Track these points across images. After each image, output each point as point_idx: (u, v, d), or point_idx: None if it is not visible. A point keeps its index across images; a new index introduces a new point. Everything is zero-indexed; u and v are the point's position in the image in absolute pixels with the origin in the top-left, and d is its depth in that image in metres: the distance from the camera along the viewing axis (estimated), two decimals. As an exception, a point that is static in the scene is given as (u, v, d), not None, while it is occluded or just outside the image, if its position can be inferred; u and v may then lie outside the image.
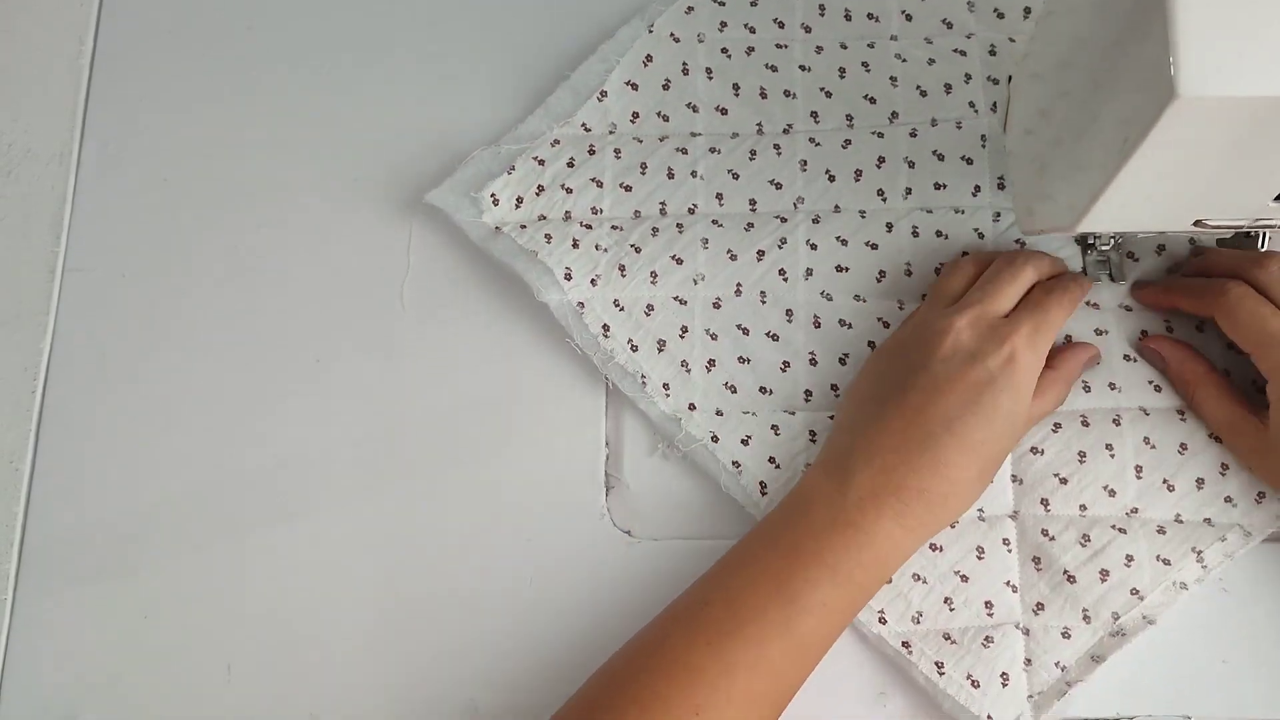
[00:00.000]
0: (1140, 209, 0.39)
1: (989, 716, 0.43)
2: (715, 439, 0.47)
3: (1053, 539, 0.44)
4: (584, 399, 0.49)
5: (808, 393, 0.47)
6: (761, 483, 0.46)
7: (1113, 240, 0.47)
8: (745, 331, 0.48)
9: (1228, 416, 0.44)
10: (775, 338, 0.48)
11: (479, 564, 0.47)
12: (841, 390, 0.47)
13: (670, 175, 0.49)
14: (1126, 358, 0.47)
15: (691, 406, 0.47)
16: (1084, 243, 0.48)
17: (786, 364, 0.47)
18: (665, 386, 0.47)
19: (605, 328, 0.48)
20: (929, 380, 0.42)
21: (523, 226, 0.49)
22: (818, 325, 0.48)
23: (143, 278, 0.52)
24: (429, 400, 0.49)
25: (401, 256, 0.51)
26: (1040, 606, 0.44)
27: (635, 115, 0.51)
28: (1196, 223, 0.39)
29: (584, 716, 0.40)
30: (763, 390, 0.47)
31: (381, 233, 0.52)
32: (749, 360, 0.47)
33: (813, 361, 0.47)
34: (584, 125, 0.51)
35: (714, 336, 0.48)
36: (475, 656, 0.46)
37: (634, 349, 0.47)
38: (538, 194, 0.49)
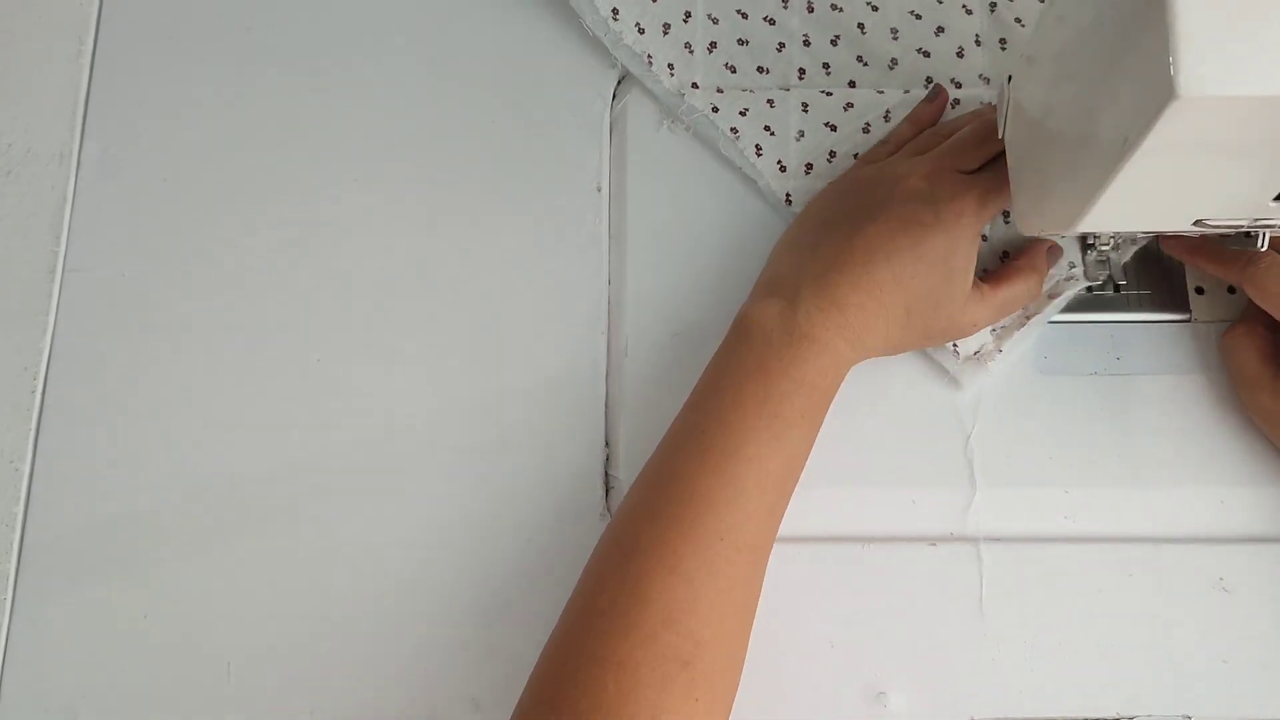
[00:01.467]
0: (1140, 209, 0.39)
1: (954, 345, 0.47)
2: (715, 110, 0.51)
3: None
4: (584, 399, 0.49)
5: (801, 70, 0.52)
6: (758, 145, 0.50)
7: (1112, 240, 0.47)
8: (744, 15, 0.53)
9: (1254, 369, 0.45)
10: (772, 22, 0.52)
11: (479, 564, 0.47)
12: (833, 69, 0.52)
13: None
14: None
15: (694, 85, 0.51)
16: (1084, 243, 0.48)
17: (782, 45, 0.52)
18: (670, 66, 0.52)
19: (615, 11, 0.52)
20: (883, 215, 0.44)
21: None
22: (811, 10, 0.52)
23: (143, 278, 0.52)
24: (429, 400, 0.49)
25: (401, 256, 0.51)
26: None
27: None
28: (1196, 223, 0.39)
29: (618, 560, 0.41)
30: (760, 70, 0.51)
31: (381, 233, 0.52)
32: (747, 42, 0.52)
33: (805, 43, 0.52)
34: None
35: (715, 20, 0.52)
36: (476, 656, 0.46)
37: (641, 31, 0.52)
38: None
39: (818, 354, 0.43)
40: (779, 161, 0.50)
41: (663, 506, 0.41)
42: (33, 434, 0.50)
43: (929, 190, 0.44)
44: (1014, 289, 0.46)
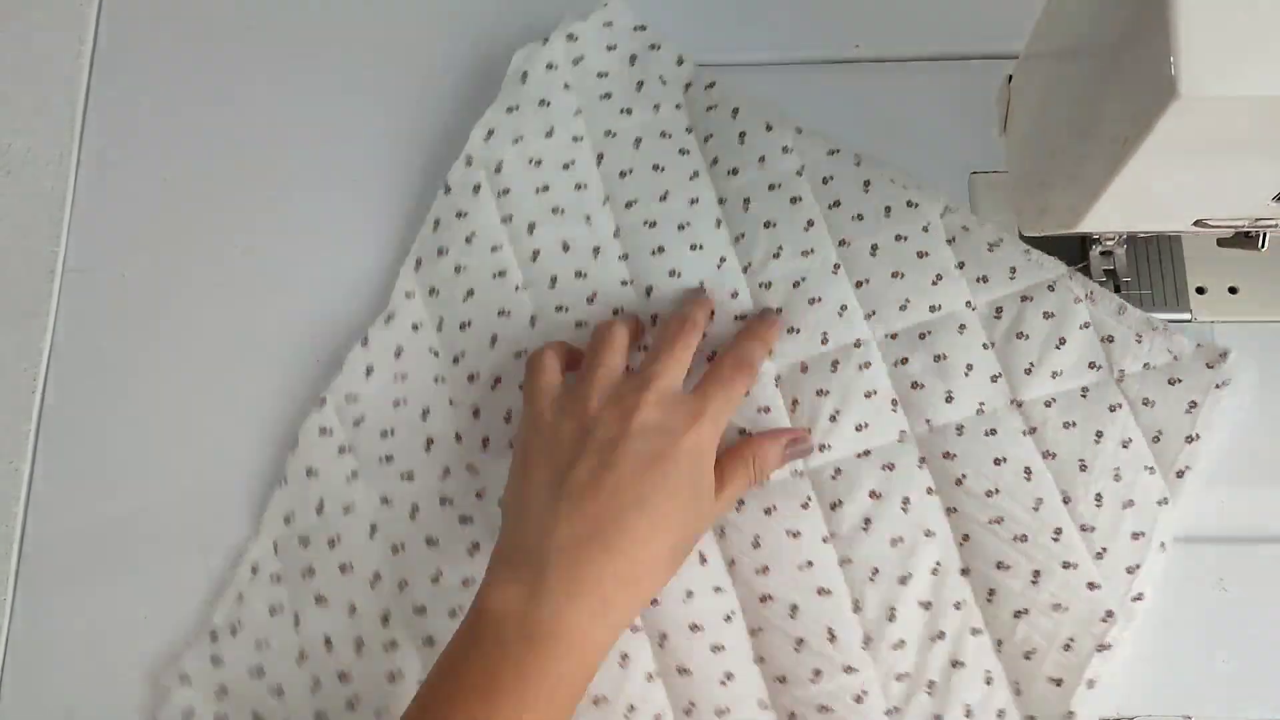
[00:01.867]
0: (1140, 209, 0.39)
1: None
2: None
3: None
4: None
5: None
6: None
7: (1113, 240, 0.47)
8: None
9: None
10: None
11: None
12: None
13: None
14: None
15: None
16: (1084, 243, 0.48)
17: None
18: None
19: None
20: (619, 455, 0.40)
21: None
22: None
23: (143, 278, 0.52)
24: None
25: (401, 256, 0.51)
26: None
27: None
28: (1197, 223, 0.39)
29: None
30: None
31: (381, 233, 0.52)
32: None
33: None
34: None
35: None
36: (475, 656, 0.46)
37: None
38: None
39: (564, 654, 0.37)
40: None
41: None
42: (33, 434, 0.50)
43: (663, 420, 0.41)
44: (738, 485, 0.44)
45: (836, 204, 0.49)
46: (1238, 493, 0.46)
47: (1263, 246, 0.41)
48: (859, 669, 0.43)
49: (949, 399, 0.45)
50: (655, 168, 0.50)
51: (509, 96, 0.51)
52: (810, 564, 0.44)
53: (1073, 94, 0.39)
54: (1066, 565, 0.43)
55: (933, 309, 0.47)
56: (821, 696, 0.43)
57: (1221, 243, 0.45)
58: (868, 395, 0.46)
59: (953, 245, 0.48)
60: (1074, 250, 0.49)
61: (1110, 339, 0.46)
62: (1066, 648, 0.43)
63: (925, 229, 0.48)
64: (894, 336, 0.47)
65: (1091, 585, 0.43)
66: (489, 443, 0.47)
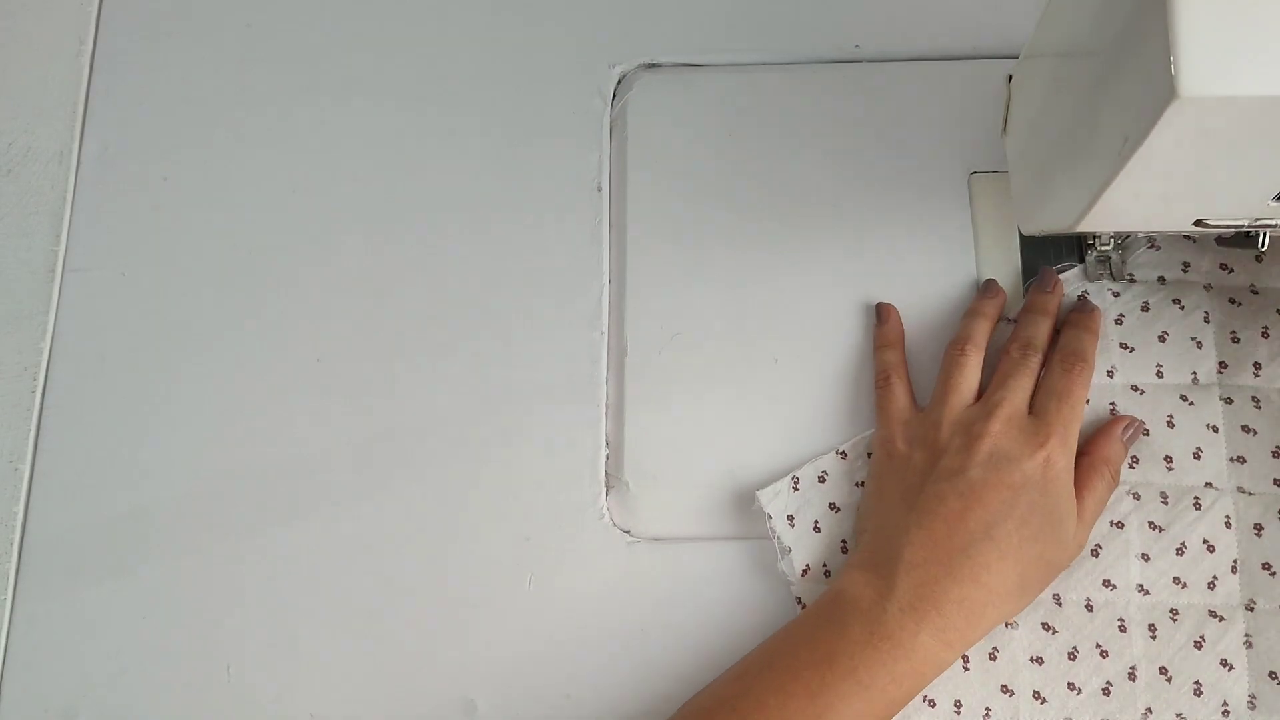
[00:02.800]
0: (1140, 209, 0.39)
1: None
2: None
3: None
4: (584, 399, 0.49)
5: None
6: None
7: (1113, 240, 0.47)
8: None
9: None
10: None
11: (478, 564, 0.47)
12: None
13: None
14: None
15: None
16: (1084, 243, 0.48)
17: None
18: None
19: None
20: (966, 485, 0.41)
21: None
22: None
23: (143, 278, 0.52)
24: (429, 399, 0.49)
25: (402, 255, 0.51)
26: None
27: None
28: (1197, 222, 0.39)
29: None
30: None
31: (381, 233, 0.52)
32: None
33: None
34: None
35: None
36: (474, 656, 0.46)
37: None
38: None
39: (898, 659, 0.39)
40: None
41: None
42: (33, 434, 0.50)
43: (1009, 448, 0.42)
44: (1097, 494, 0.43)
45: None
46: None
47: (1263, 246, 0.41)
48: None
49: None
50: None
51: None
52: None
53: (1073, 94, 0.39)
54: None
55: None
56: None
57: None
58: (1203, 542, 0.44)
59: None
60: (1071, 250, 0.49)
61: None
62: None
63: None
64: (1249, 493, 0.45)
65: None
66: None
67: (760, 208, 0.51)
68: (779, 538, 0.46)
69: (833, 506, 0.46)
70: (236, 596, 0.47)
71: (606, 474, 0.48)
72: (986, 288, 0.48)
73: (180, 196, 0.53)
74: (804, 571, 0.45)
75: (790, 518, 0.46)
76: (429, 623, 0.46)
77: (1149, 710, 0.43)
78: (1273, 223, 0.39)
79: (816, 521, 0.46)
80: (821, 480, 0.47)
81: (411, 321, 0.50)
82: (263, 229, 0.52)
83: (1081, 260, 0.48)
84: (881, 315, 0.48)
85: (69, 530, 0.48)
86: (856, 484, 0.46)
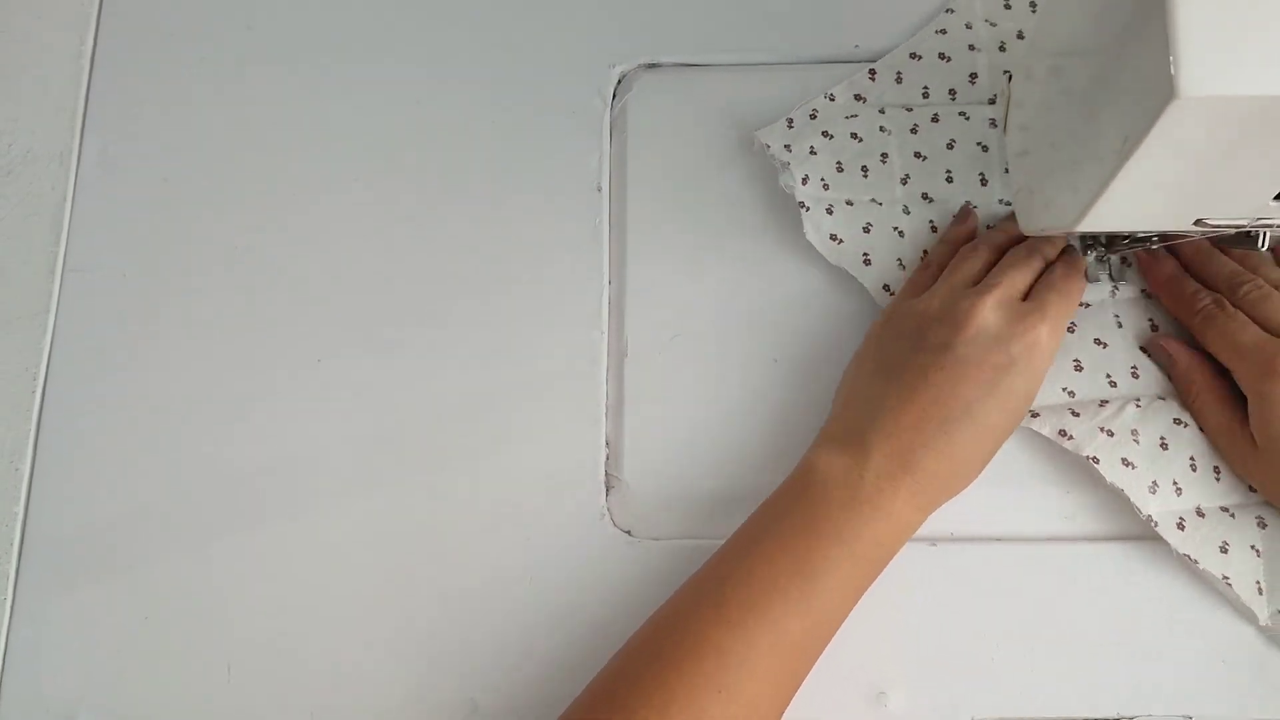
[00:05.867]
0: (1140, 209, 0.39)
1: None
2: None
3: None
4: (584, 399, 0.49)
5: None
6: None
7: (1112, 240, 0.47)
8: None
9: (1222, 425, 0.44)
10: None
11: (479, 564, 0.47)
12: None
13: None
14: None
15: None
16: (1084, 242, 0.48)
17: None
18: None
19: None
20: (952, 360, 0.42)
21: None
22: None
23: (143, 278, 0.52)
24: (429, 400, 0.49)
25: (402, 255, 0.51)
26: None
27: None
28: (1197, 222, 0.39)
29: (608, 695, 0.40)
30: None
31: (382, 233, 0.52)
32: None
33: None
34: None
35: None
36: (475, 656, 0.46)
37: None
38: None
39: (878, 520, 0.41)
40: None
41: (669, 649, 0.40)
42: (33, 434, 0.50)
43: (997, 327, 0.42)
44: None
45: None
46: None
47: (1262, 246, 0.41)
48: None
49: None
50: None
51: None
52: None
53: (1073, 94, 0.39)
54: None
55: None
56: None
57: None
58: None
59: None
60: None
61: None
62: None
63: None
64: None
65: None
66: None
67: (760, 207, 0.51)
68: (777, 159, 0.50)
69: (825, 134, 0.50)
70: (236, 596, 0.47)
71: (606, 474, 0.48)
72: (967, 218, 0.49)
73: (180, 196, 0.53)
74: (804, 180, 0.49)
75: (787, 146, 0.50)
76: (429, 622, 0.46)
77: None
78: (1273, 222, 0.39)
79: (812, 146, 0.50)
80: (813, 117, 0.51)
81: (412, 321, 0.50)
82: (262, 229, 0.52)
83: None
84: (960, 215, 0.49)
85: (69, 530, 0.48)
86: (846, 117, 0.50)
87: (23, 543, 0.49)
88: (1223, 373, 0.45)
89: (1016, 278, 0.44)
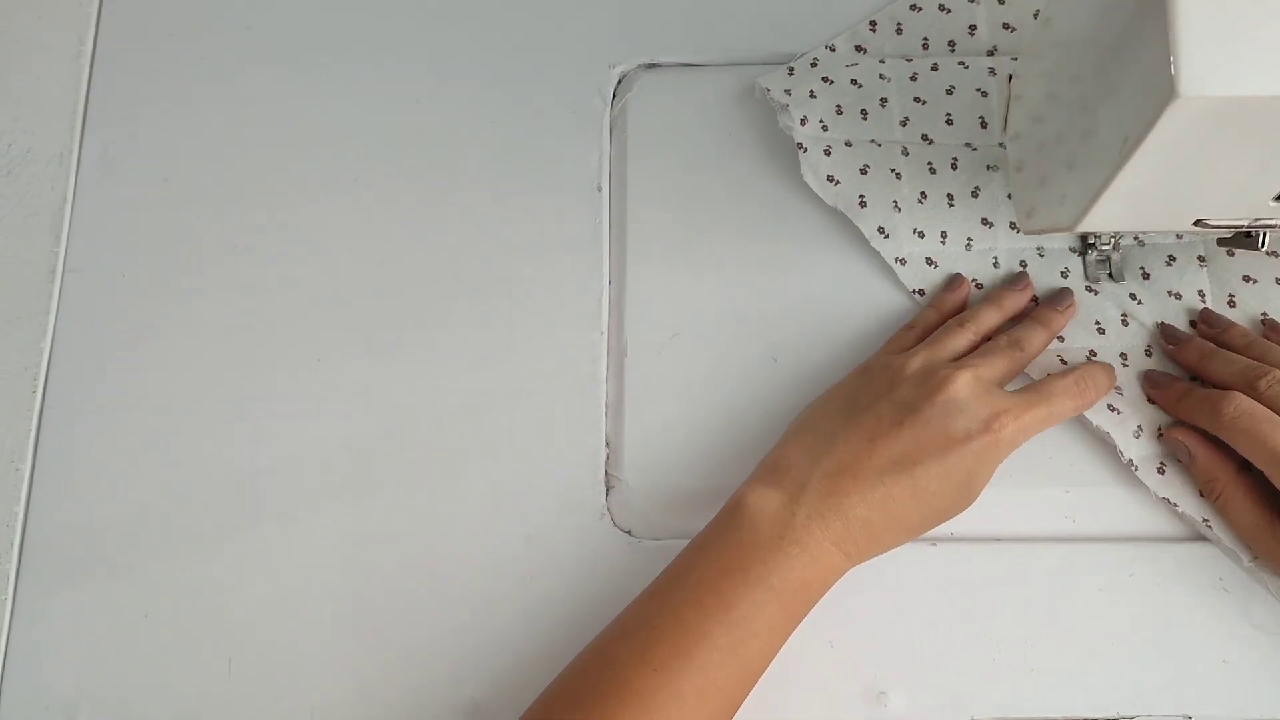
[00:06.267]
0: (1140, 209, 0.39)
1: None
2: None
3: None
4: (584, 399, 0.49)
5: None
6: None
7: (1113, 240, 0.47)
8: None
9: (1257, 525, 0.43)
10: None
11: (479, 564, 0.47)
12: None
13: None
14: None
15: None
16: (1084, 243, 0.48)
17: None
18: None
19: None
20: (912, 420, 0.41)
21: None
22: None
23: (143, 278, 0.52)
24: (429, 400, 0.49)
25: (402, 256, 0.51)
26: None
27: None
28: (1197, 222, 0.39)
29: None
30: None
31: (381, 232, 0.52)
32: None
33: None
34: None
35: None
36: (476, 656, 0.46)
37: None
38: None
39: (806, 565, 0.40)
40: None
41: (592, 697, 0.39)
42: (33, 434, 0.50)
43: (968, 403, 0.42)
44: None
45: None
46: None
47: (1262, 246, 0.41)
48: None
49: None
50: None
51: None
52: None
53: (1073, 94, 0.39)
54: None
55: None
56: None
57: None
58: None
59: None
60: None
61: None
62: None
63: None
64: None
65: None
66: None
67: (760, 208, 0.51)
68: (776, 101, 0.51)
69: (826, 80, 0.51)
70: (236, 596, 0.47)
71: (606, 474, 0.48)
72: (1016, 280, 0.48)
73: (180, 196, 0.53)
74: (802, 121, 0.50)
75: (787, 91, 0.51)
76: (430, 622, 0.46)
77: None
78: (1273, 223, 0.39)
79: (812, 90, 0.51)
80: (814, 65, 0.52)
81: (411, 321, 0.50)
82: (262, 230, 0.52)
83: (1082, 261, 0.48)
84: (951, 283, 0.48)
85: (69, 530, 0.48)
86: (847, 66, 0.51)
87: (23, 543, 0.49)
88: (1247, 466, 0.43)
89: (996, 364, 0.44)
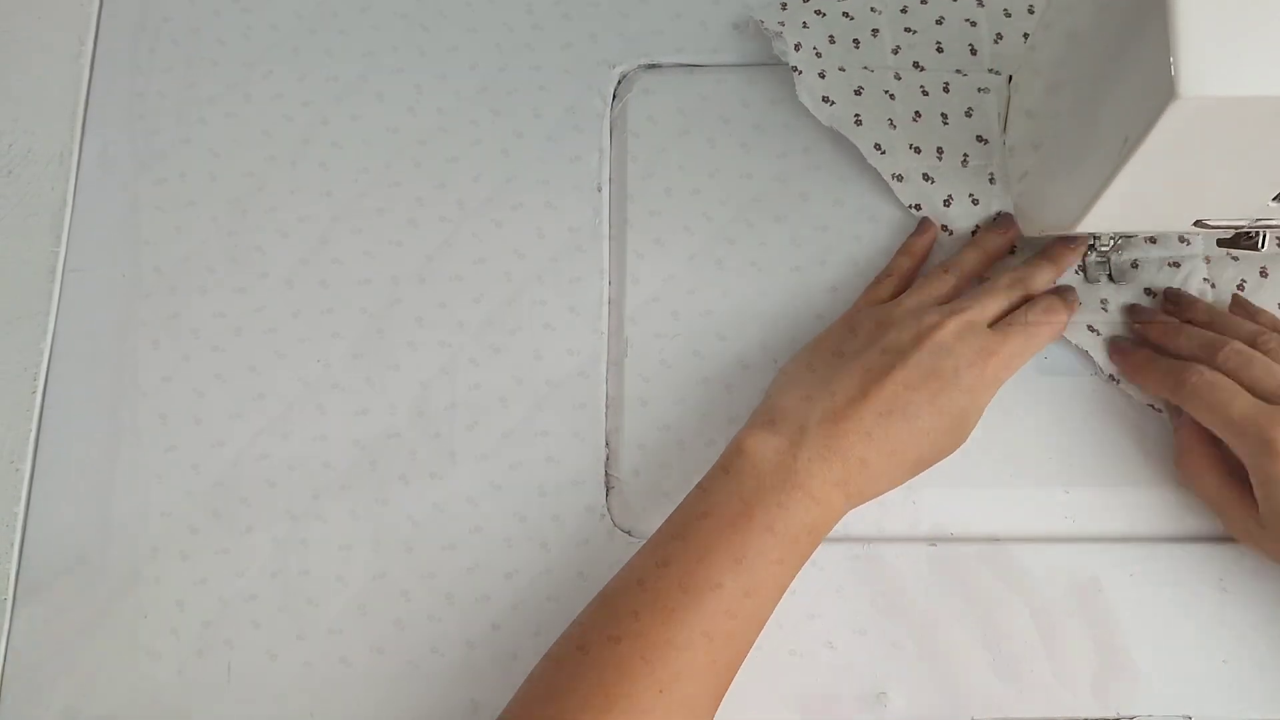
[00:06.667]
0: (1140, 209, 0.39)
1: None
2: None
3: None
4: (584, 399, 0.49)
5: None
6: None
7: (1113, 240, 0.47)
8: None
9: (1223, 498, 0.44)
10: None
11: (479, 564, 0.47)
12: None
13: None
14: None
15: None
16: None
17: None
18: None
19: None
20: (903, 365, 0.42)
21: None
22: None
23: (143, 278, 0.52)
24: (429, 400, 0.49)
25: (401, 256, 0.51)
26: None
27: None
28: (1197, 223, 0.39)
29: (547, 692, 0.39)
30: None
31: (381, 233, 0.52)
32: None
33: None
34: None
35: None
36: (476, 656, 0.46)
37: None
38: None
39: (809, 508, 0.41)
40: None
41: (605, 646, 0.39)
42: (33, 434, 0.50)
43: (955, 346, 0.43)
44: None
45: None
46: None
47: (1262, 246, 0.41)
48: None
49: None
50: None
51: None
52: None
53: (1073, 94, 0.39)
54: None
55: None
56: None
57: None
58: None
59: None
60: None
61: None
62: None
63: None
64: None
65: None
66: None
67: (760, 208, 0.51)
68: (770, 30, 0.52)
69: (818, 13, 0.52)
70: (236, 596, 0.47)
71: (607, 474, 0.48)
72: (999, 222, 0.49)
73: (180, 196, 0.53)
74: (796, 47, 0.51)
75: (781, 22, 0.52)
76: (430, 622, 0.46)
77: None
78: (1273, 223, 0.39)
79: (805, 21, 0.52)
80: (805, 0, 0.53)
81: (412, 322, 0.50)
82: (262, 230, 0.52)
83: (1082, 261, 0.48)
84: (920, 227, 0.49)
85: (69, 530, 0.48)
86: (838, 0, 0.52)
87: (23, 543, 0.49)
88: (1216, 440, 0.44)
89: (989, 304, 0.45)
